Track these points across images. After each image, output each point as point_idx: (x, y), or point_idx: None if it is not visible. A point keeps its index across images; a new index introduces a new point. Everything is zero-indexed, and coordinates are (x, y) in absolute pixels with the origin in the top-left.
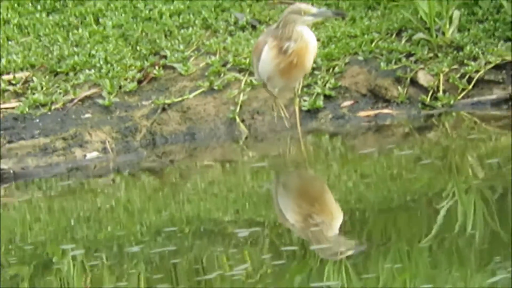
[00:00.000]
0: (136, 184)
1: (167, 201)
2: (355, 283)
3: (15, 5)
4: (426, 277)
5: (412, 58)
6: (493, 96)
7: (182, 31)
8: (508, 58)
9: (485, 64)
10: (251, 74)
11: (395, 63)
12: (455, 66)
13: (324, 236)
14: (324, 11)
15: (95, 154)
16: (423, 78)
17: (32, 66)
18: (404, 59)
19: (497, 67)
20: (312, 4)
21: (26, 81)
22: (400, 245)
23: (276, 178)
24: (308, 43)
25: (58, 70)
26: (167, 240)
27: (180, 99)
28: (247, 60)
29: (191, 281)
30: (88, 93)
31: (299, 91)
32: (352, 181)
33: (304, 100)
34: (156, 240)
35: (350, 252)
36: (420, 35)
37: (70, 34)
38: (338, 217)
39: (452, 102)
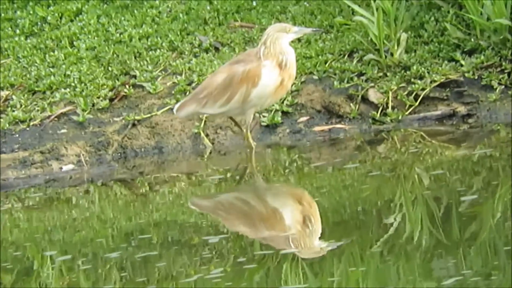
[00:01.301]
0: (109, 194)
1: (140, 210)
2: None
3: None
4: (377, 278)
5: (363, 77)
6: (438, 112)
7: (150, 52)
8: (452, 76)
9: (431, 82)
10: None
11: (348, 82)
12: (403, 85)
13: (310, 239)
14: (304, 28)
15: (70, 166)
16: (373, 95)
17: (12, 85)
18: (355, 78)
19: (442, 85)
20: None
21: (6, 99)
22: (353, 250)
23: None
24: (293, 55)
25: (36, 89)
26: (143, 247)
27: (148, 115)
28: None
29: (174, 283)
30: (63, 110)
31: None
32: (308, 191)
33: (264, 116)
34: (133, 247)
35: (330, 248)
36: (370, 56)
37: (47, 56)
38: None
39: (400, 117)
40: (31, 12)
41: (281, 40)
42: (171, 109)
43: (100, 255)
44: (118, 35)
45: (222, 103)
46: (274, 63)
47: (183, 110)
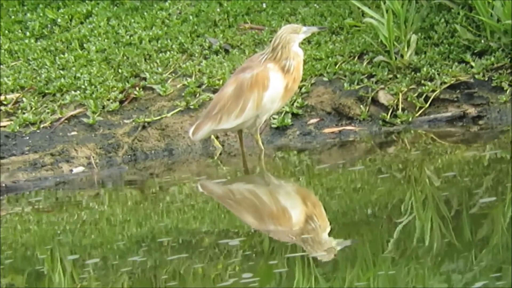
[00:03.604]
0: (119, 197)
1: (153, 213)
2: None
3: (6, 31)
4: (388, 280)
5: (373, 79)
6: (448, 114)
7: (160, 55)
8: (462, 78)
9: (441, 84)
10: None
11: (358, 84)
12: (413, 86)
13: (319, 238)
14: (311, 27)
15: (80, 168)
16: (384, 97)
17: (22, 87)
18: (365, 80)
19: (452, 87)
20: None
21: (17, 102)
22: (364, 253)
23: (261, 185)
24: (301, 57)
25: (46, 91)
26: (166, 251)
27: (159, 117)
28: (221, 82)
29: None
30: (74, 112)
31: None
32: (318, 193)
33: (274, 118)
34: (156, 251)
35: (340, 247)
36: (380, 57)
37: (57, 58)
38: (328, 225)
39: (410, 119)
40: (41, 14)
41: (292, 43)
42: (181, 111)
43: (126, 258)
44: (128, 37)
45: (237, 113)
46: (277, 66)
47: (199, 132)
